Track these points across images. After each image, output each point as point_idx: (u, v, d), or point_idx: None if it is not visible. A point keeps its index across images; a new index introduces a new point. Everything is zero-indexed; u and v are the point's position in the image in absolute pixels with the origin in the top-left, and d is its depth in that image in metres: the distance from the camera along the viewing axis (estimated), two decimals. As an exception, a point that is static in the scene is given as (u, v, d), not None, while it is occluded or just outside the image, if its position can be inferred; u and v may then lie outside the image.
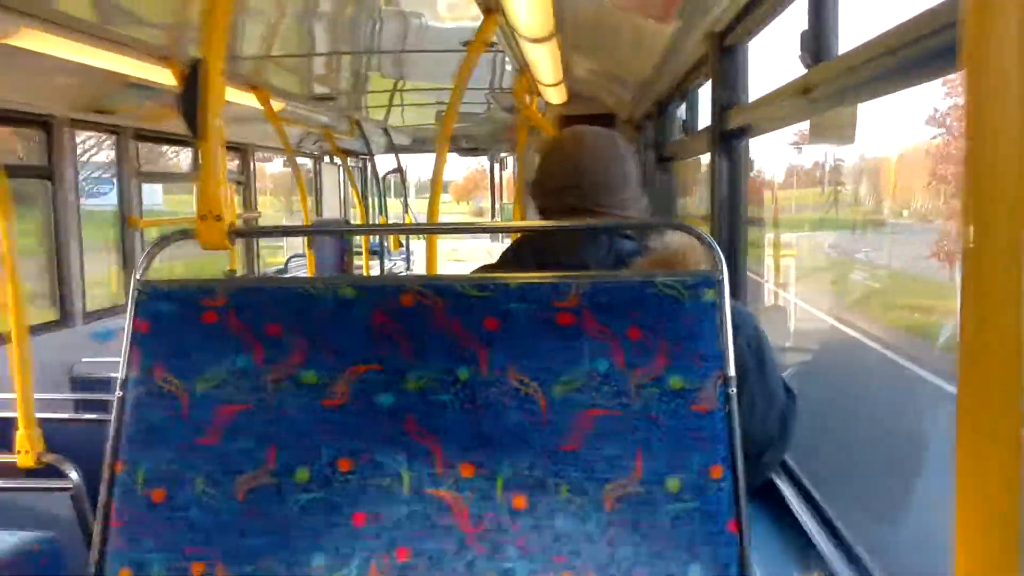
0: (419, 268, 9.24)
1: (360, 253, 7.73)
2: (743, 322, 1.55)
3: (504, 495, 1.32)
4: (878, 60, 1.32)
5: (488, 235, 10.40)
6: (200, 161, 1.61)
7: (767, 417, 1.58)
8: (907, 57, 1.22)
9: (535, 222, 1.83)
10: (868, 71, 1.39)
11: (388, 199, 9.45)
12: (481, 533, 1.32)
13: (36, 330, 4.05)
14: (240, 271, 6.40)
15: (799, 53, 1.82)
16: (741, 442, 1.32)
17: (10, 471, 2.48)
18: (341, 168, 9.08)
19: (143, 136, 5.11)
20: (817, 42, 1.73)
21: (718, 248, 1.36)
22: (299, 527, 1.35)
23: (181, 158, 6.50)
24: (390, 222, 9.35)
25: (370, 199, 9.54)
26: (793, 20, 2.02)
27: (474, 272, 1.76)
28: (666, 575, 1.29)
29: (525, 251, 1.69)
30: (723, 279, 1.34)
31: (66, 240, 4.45)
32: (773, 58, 2.54)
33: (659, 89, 4.27)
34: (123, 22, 3.37)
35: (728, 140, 2.56)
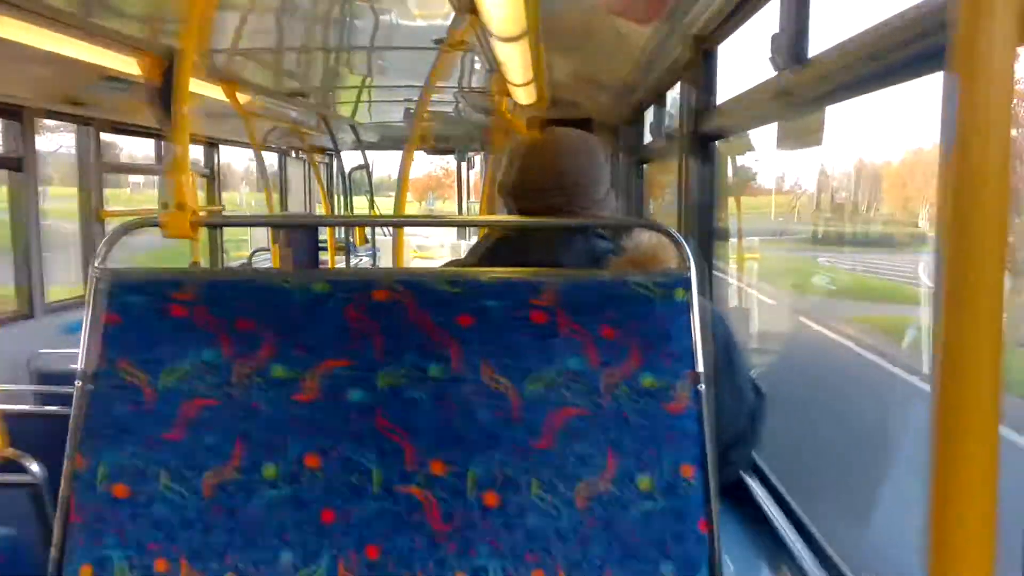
0: (385, 264, 9.19)
1: (325, 248, 7.67)
2: (713, 321, 1.56)
3: (475, 492, 1.32)
4: (855, 62, 1.33)
5: (455, 234, 10.36)
6: (167, 152, 1.59)
7: (736, 415, 1.60)
8: (884, 59, 1.23)
9: (507, 217, 1.83)
10: (845, 73, 1.40)
11: (353, 196, 9.38)
12: (452, 531, 1.32)
13: None
14: (204, 265, 6.32)
15: (770, 56, 1.83)
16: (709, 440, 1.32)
17: None
18: (307, 164, 9.01)
19: (113, 128, 5.03)
20: (791, 44, 1.74)
21: (687, 246, 1.37)
22: (266, 524, 1.33)
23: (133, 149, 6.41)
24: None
25: (335, 195, 9.47)
26: (761, 21, 2.05)
27: (447, 267, 1.75)
28: (638, 573, 1.29)
29: (500, 250, 1.69)
30: (691, 277, 1.34)
31: (26, 231, 4.37)
32: (738, 58, 2.57)
33: (637, 93, 4.29)
34: (98, 13, 3.32)
35: (701, 142, 2.58)
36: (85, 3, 3.19)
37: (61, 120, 4.66)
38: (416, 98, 4.08)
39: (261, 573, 1.32)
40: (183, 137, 1.54)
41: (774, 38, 1.81)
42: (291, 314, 1.37)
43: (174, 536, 1.33)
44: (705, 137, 2.56)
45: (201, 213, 1.54)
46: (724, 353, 1.57)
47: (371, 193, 8.42)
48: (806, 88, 1.61)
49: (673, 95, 3.57)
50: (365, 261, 8.80)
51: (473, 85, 5.63)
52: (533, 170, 1.74)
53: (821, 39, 1.66)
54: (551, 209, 1.69)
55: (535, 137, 1.82)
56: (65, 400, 3.15)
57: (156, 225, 1.51)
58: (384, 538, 1.32)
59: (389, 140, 9.65)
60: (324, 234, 7.87)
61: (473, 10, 2.89)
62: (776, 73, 1.81)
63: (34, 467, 2.34)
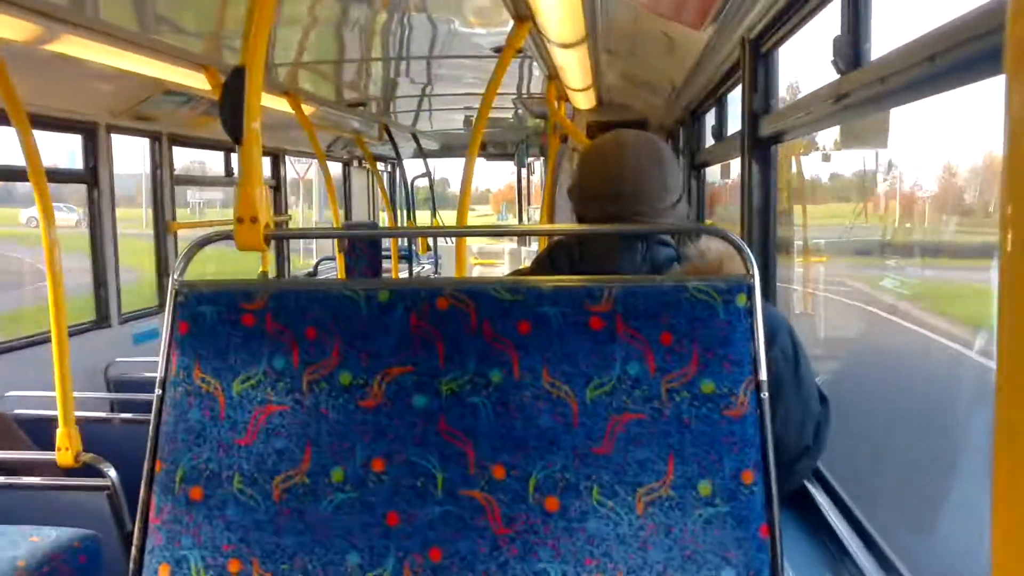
0: (447, 273, 9.27)
1: (389, 257, 7.77)
2: (778, 330, 1.54)
3: (536, 497, 1.33)
4: (914, 65, 1.32)
5: (519, 246, 10.40)
6: (238, 165, 1.64)
7: (803, 428, 1.58)
8: (944, 62, 1.22)
9: (566, 225, 1.84)
10: (903, 76, 1.39)
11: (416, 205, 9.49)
12: (513, 534, 1.33)
13: (74, 331, 4.13)
14: (271, 275, 6.46)
15: (832, 59, 1.82)
16: (774, 451, 1.31)
17: (50, 469, 2.53)
18: (370, 173, 9.14)
19: (179, 141, 5.17)
20: (851, 47, 1.72)
21: (750, 252, 1.36)
22: (334, 526, 1.36)
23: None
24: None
25: (398, 204, 9.58)
26: (823, 25, 2.02)
27: (508, 276, 1.77)
28: None
29: (559, 257, 1.69)
30: (755, 284, 1.34)
31: (102, 243, 4.52)
32: (802, 63, 2.54)
33: (691, 95, 4.26)
34: (162, 30, 3.43)
35: (760, 146, 2.56)
36: (148, 21, 3.30)
37: (132, 135, 4.81)
38: (476, 105, 4.11)
39: (330, 574, 1.35)
40: (254, 151, 1.59)
41: (835, 40, 1.79)
42: (356, 322, 1.41)
43: (247, 538, 1.37)
44: (765, 140, 2.54)
45: (271, 225, 1.58)
46: (790, 363, 1.55)
47: (433, 202, 8.50)
48: (866, 91, 1.59)
49: (734, 98, 3.54)
50: (427, 269, 8.90)
51: (532, 91, 5.66)
52: (591, 177, 1.71)
53: (883, 42, 1.64)
54: (607, 217, 1.66)
55: (598, 141, 1.78)
56: (139, 407, 3.28)
57: (231, 238, 1.56)
58: (447, 541, 1.34)
59: (450, 148, 9.73)
60: (388, 243, 7.98)
61: (531, 18, 2.91)
62: (838, 76, 1.79)
63: (111, 471, 2.42)
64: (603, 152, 1.72)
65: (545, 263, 1.71)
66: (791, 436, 1.56)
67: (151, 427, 1.41)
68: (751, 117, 2.57)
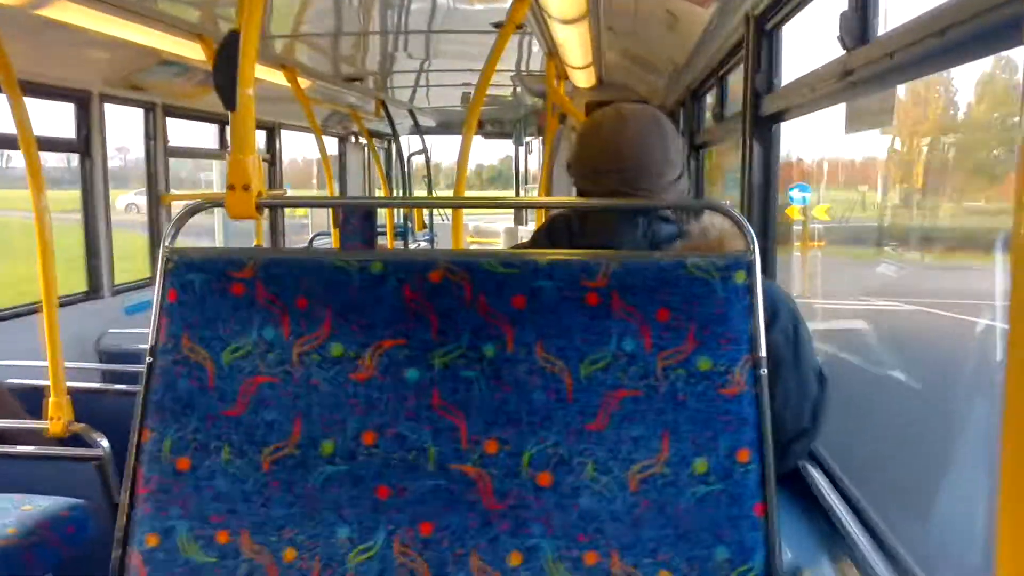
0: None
1: (384, 234, 7.75)
2: (780, 310, 1.53)
3: (529, 472, 1.32)
4: (924, 39, 1.29)
5: (516, 225, 10.37)
6: (230, 133, 1.61)
7: (800, 408, 1.56)
8: (952, 37, 1.19)
9: (565, 199, 1.82)
10: (912, 51, 1.36)
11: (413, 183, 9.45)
12: (505, 509, 1.32)
13: (66, 301, 4.10)
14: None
15: (838, 35, 1.79)
16: (771, 430, 1.30)
17: (41, 438, 2.51)
18: (367, 149, 9.09)
19: (173, 112, 5.13)
20: (858, 22, 1.69)
21: (750, 229, 1.34)
22: (323, 499, 1.35)
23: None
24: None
25: (395, 181, 9.54)
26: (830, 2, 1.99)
27: (503, 249, 1.75)
28: (691, 557, 1.28)
29: (558, 232, 1.65)
30: (755, 261, 1.32)
31: (95, 213, 4.49)
32: (805, 40, 2.51)
33: (693, 74, 4.22)
34: None
35: (762, 125, 2.53)
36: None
37: (126, 104, 4.76)
38: (474, 82, 4.08)
39: (318, 547, 1.34)
40: (247, 118, 1.56)
41: (842, 16, 1.77)
42: (348, 294, 1.39)
43: (235, 509, 1.36)
44: (767, 119, 2.51)
45: (264, 193, 1.55)
46: (791, 342, 1.53)
47: (429, 178, 8.47)
48: (873, 67, 1.57)
49: (736, 78, 3.52)
50: (424, 247, 8.87)
51: (531, 68, 5.61)
52: (591, 150, 1.68)
53: (892, 18, 1.61)
54: (608, 191, 1.63)
55: (597, 114, 1.75)
56: (130, 378, 3.26)
57: (221, 206, 1.53)
58: (438, 515, 1.33)
59: (447, 125, 9.69)
60: (383, 219, 7.96)
61: (531, -9, 2.87)
62: (844, 52, 1.77)
63: (102, 441, 2.41)
64: (604, 125, 1.69)
65: (543, 239, 1.68)
66: (789, 417, 1.54)
67: (139, 396, 1.40)
68: (753, 96, 2.54)
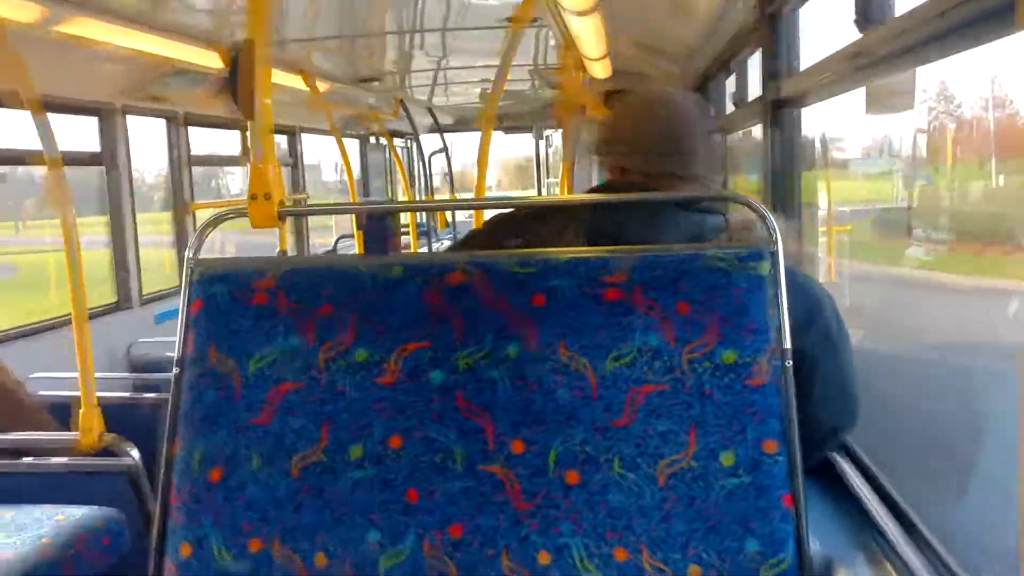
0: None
1: (407, 233, 7.77)
2: (821, 309, 1.51)
3: (556, 471, 1.32)
4: (938, 20, 1.27)
5: None
6: (252, 143, 1.62)
7: (839, 407, 1.55)
8: (971, 16, 1.17)
9: (586, 195, 1.80)
10: (927, 32, 1.34)
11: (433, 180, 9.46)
12: (534, 509, 1.32)
13: (96, 313, 4.15)
14: (290, 253, 6.47)
15: (853, 17, 1.76)
16: (806, 427, 1.29)
17: (75, 450, 2.55)
18: (387, 149, 9.12)
19: (194, 121, 5.17)
20: (873, 3, 1.67)
21: (772, 219, 1.33)
22: (353, 504, 1.36)
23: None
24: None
25: (416, 180, 9.56)
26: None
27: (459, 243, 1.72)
28: (722, 550, 1.28)
29: (604, 223, 1.57)
30: (777, 251, 1.31)
31: (121, 225, 4.54)
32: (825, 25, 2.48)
33: (705, 61, 4.19)
34: (171, 9, 3.41)
35: (780, 110, 2.51)
36: (159, 1, 3.28)
37: (148, 116, 4.81)
38: (492, 78, 4.08)
39: (349, 552, 1.35)
40: (267, 127, 1.57)
41: None
42: (370, 299, 1.39)
43: (266, 517, 1.37)
44: (785, 104, 2.48)
45: (287, 202, 1.57)
46: (832, 344, 1.51)
47: (451, 176, 8.48)
48: (890, 48, 1.54)
49: (754, 63, 3.48)
50: (447, 245, 8.88)
51: (548, 62, 5.60)
52: (643, 129, 1.60)
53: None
54: (662, 174, 1.58)
55: (645, 93, 1.69)
56: (159, 387, 3.30)
57: (245, 216, 1.55)
58: (468, 517, 1.33)
59: (466, 121, 9.68)
60: (406, 219, 7.97)
61: (544, -15, 2.87)
62: (860, 35, 1.74)
63: (133, 452, 2.44)
64: (653, 104, 1.63)
65: (579, 231, 1.58)
66: (826, 416, 1.53)
67: (169, 409, 1.41)
68: (770, 81, 2.52)
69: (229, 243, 7.43)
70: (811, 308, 1.49)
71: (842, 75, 1.88)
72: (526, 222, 1.65)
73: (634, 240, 1.51)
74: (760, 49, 2.66)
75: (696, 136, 1.60)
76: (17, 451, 2.59)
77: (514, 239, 1.62)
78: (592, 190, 1.77)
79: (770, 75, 2.52)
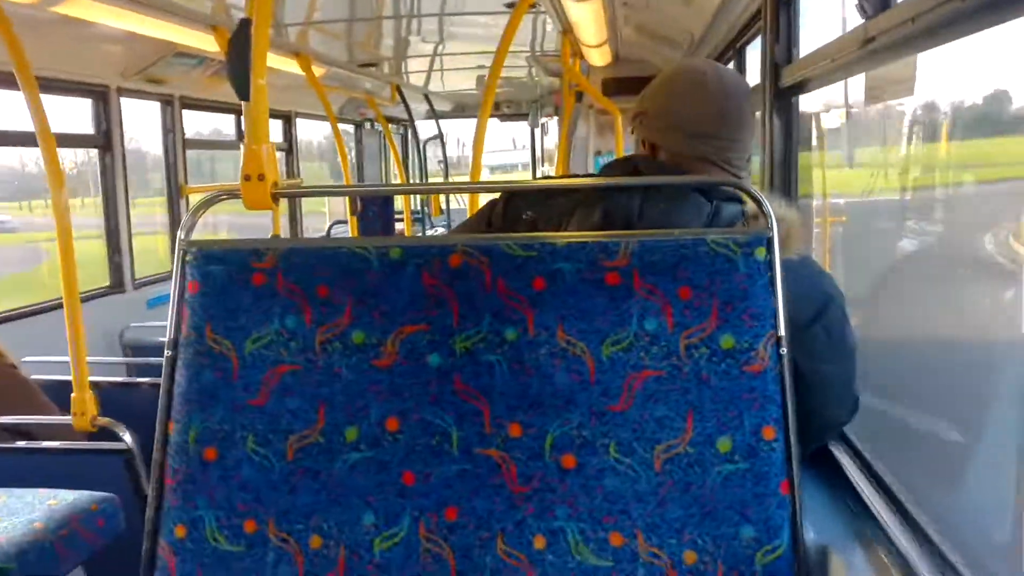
0: None
1: (401, 219, 7.76)
2: (832, 302, 1.49)
3: (552, 455, 1.32)
4: (944, 4, 1.26)
5: None
6: (246, 124, 1.61)
7: (842, 399, 1.55)
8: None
9: (581, 179, 1.79)
10: (933, 16, 1.33)
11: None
12: (530, 493, 1.32)
13: (89, 296, 4.14)
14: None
15: (857, 2, 1.75)
16: (806, 418, 1.28)
17: (68, 433, 2.54)
18: (382, 135, 9.09)
19: (190, 104, 5.14)
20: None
21: (769, 206, 1.32)
22: (349, 486, 1.35)
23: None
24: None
25: (411, 167, 9.54)
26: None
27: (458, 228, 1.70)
28: (717, 536, 1.28)
29: (617, 210, 1.52)
30: (774, 237, 1.31)
31: (115, 208, 4.52)
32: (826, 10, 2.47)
33: (710, 47, 4.17)
34: None
35: (781, 97, 2.50)
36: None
37: (142, 98, 4.78)
38: (488, 64, 4.07)
39: (345, 534, 1.35)
40: (261, 107, 1.55)
41: None
42: (368, 280, 1.38)
43: (261, 498, 1.36)
44: (787, 91, 2.47)
45: (281, 185, 1.55)
46: (835, 338, 1.50)
47: (445, 163, 8.47)
48: (894, 33, 1.53)
49: (754, 50, 3.47)
50: (441, 231, 8.88)
51: (546, 48, 5.58)
52: (692, 107, 1.53)
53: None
54: (697, 160, 1.53)
55: (696, 66, 1.60)
56: (155, 371, 3.29)
57: (238, 197, 1.53)
58: (463, 500, 1.33)
59: (462, 108, 9.67)
60: (400, 205, 7.96)
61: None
62: (863, 21, 1.73)
63: (126, 435, 2.43)
64: (706, 83, 1.54)
65: (594, 213, 1.53)
66: (825, 410, 1.53)
67: (162, 389, 1.40)
68: (772, 67, 2.51)
69: (221, 227, 7.42)
70: (818, 304, 1.48)
71: (845, 61, 1.87)
72: (539, 197, 1.62)
73: (649, 223, 1.49)
74: (760, 36, 2.64)
75: (743, 122, 1.54)
76: (10, 433, 2.58)
77: (525, 213, 1.61)
78: (610, 164, 1.70)
79: (773, 62, 2.51)
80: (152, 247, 5.26)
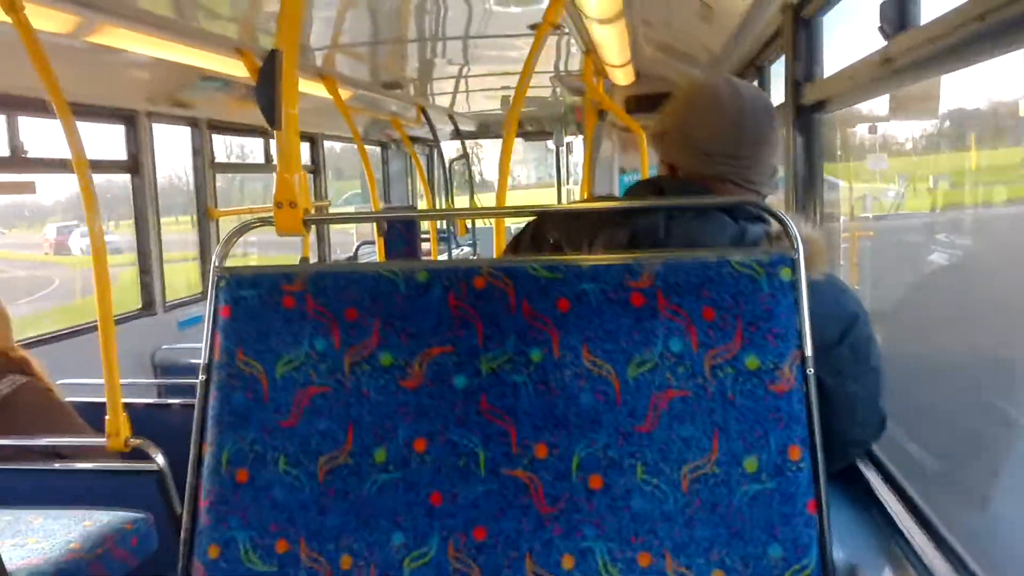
0: (486, 255, 9.27)
1: (428, 239, 7.80)
2: (858, 321, 1.49)
3: (579, 475, 1.33)
4: (964, 26, 1.27)
5: None
6: (276, 151, 1.64)
7: (868, 418, 1.54)
8: (997, 22, 1.17)
9: (607, 201, 1.80)
10: (954, 38, 1.34)
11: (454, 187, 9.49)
12: (557, 513, 1.33)
13: (121, 319, 4.20)
14: (312, 260, 6.51)
15: (879, 24, 1.76)
16: (833, 437, 1.28)
17: (101, 453, 2.58)
18: (408, 155, 9.16)
19: (218, 128, 5.21)
20: (899, 10, 1.67)
21: (792, 226, 1.33)
22: (378, 506, 1.37)
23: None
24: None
25: (436, 187, 9.60)
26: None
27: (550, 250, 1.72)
28: (745, 555, 1.28)
29: (645, 232, 1.51)
30: (799, 258, 1.31)
31: (146, 231, 4.58)
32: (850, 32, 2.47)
33: (731, 65, 4.18)
34: (198, 16, 3.45)
35: (804, 115, 2.50)
36: (183, 8, 3.31)
37: (172, 123, 4.85)
38: (513, 85, 4.11)
39: (374, 554, 1.36)
40: (292, 136, 1.59)
41: (882, 5, 1.74)
42: (395, 303, 1.41)
43: (293, 518, 1.39)
44: (809, 109, 2.48)
45: (311, 210, 1.58)
46: (864, 353, 1.49)
47: (471, 183, 8.51)
48: (915, 54, 1.54)
49: (777, 69, 3.47)
50: (467, 251, 8.91)
51: (570, 68, 5.61)
52: (706, 126, 1.51)
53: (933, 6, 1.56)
54: (714, 179, 1.51)
55: (711, 85, 1.58)
56: (185, 391, 3.34)
57: (271, 223, 1.56)
58: (491, 520, 1.34)
59: (487, 128, 9.71)
60: (426, 226, 8.00)
61: (567, -7, 2.87)
62: (885, 42, 1.74)
63: (159, 456, 2.46)
64: (720, 100, 1.52)
65: (620, 233, 1.52)
66: (855, 430, 1.52)
67: (196, 411, 1.43)
68: (794, 86, 2.51)
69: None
70: (844, 322, 1.48)
71: (869, 81, 1.87)
72: (565, 220, 1.62)
73: (675, 241, 1.49)
74: (784, 55, 2.65)
75: (761, 140, 1.52)
76: (47, 453, 2.63)
77: (551, 236, 1.61)
78: (634, 187, 1.69)
79: (795, 80, 2.52)
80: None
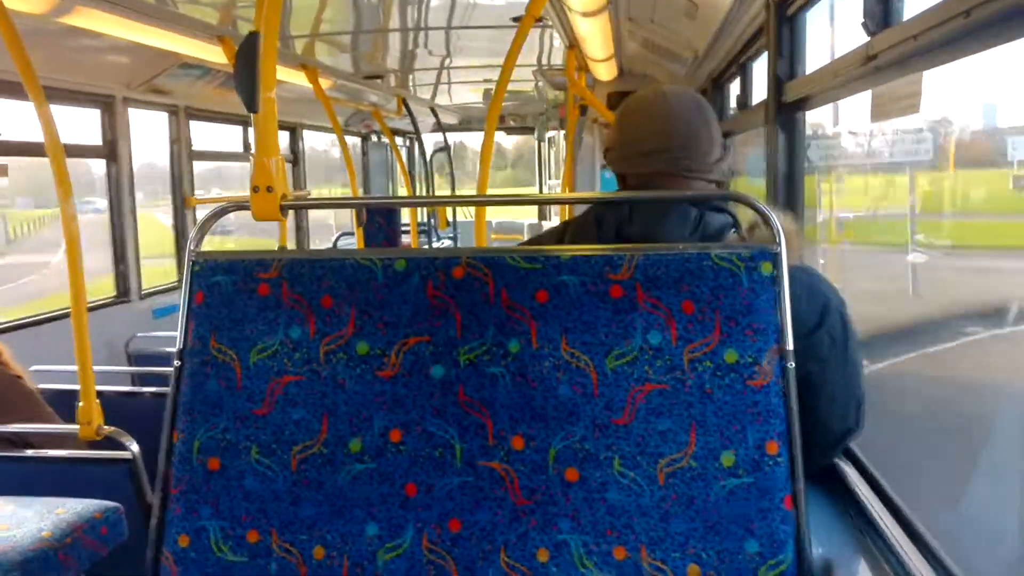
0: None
1: (408, 232, 7.77)
2: (831, 310, 1.50)
3: (555, 468, 1.32)
4: (948, 23, 1.27)
5: (539, 220, 10.36)
6: (253, 136, 1.62)
7: (847, 409, 1.54)
8: (980, 18, 1.17)
9: (589, 193, 1.80)
10: (936, 35, 1.34)
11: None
12: (533, 505, 1.32)
13: (95, 306, 4.15)
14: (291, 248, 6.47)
15: (861, 20, 1.76)
16: (816, 431, 1.28)
17: (74, 442, 2.54)
18: (389, 147, 9.12)
19: (196, 115, 5.16)
20: (881, 7, 1.67)
21: (776, 221, 1.33)
22: (352, 497, 1.36)
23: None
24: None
25: (417, 179, 9.57)
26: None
27: (527, 242, 1.73)
28: (721, 550, 1.27)
29: (607, 223, 1.59)
30: (780, 252, 1.31)
31: (121, 218, 4.53)
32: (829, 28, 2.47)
33: (715, 63, 4.19)
34: (177, 2, 3.41)
35: (785, 112, 2.51)
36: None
37: (150, 108, 4.80)
38: (495, 77, 4.09)
39: (348, 545, 1.35)
40: (270, 120, 1.56)
41: (865, 1, 1.74)
42: (373, 292, 1.39)
43: (265, 508, 1.37)
44: (791, 107, 2.48)
45: (288, 195, 1.56)
46: (839, 345, 1.50)
47: (452, 175, 8.48)
48: (898, 51, 1.54)
49: (759, 66, 3.48)
50: (447, 244, 8.89)
51: (552, 62, 5.60)
52: (636, 131, 1.62)
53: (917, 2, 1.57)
54: (655, 174, 1.59)
55: (640, 95, 1.69)
56: (159, 380, 3.30)
57: (247, 208, 1.54)
58: (466, 512, 1.33)
59: (468, 122, 9.70)
60: (407, 218, 7.97)
61: (551, -15, 2.86)
62: (868, 39, 1.74)
63: (132, 444, 2.43)
64: (647, 105, 1.64)
65: (589, 227, 1.61)
66: (835, 418, 1.53)
67: (169, 398, 1.41)
68: (776, 83, 2.52)
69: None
70: (820, 309, 1.48)
71: (850, 78, 1.87)
72: (551, 241, 1.69)
73: (638, 225, 1.52)
74: (766, 52, 2.66)
75: (691, 132, 1.59)
76: (17, 442, 2.59)
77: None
78: (600, 207, 1.76)
79: (777, 78, 2.52)
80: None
